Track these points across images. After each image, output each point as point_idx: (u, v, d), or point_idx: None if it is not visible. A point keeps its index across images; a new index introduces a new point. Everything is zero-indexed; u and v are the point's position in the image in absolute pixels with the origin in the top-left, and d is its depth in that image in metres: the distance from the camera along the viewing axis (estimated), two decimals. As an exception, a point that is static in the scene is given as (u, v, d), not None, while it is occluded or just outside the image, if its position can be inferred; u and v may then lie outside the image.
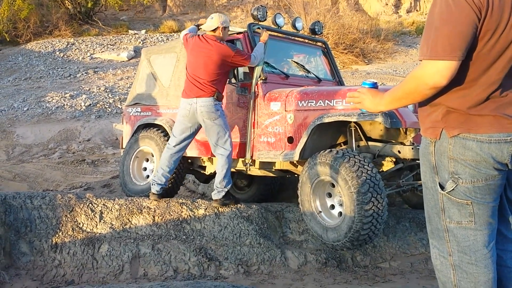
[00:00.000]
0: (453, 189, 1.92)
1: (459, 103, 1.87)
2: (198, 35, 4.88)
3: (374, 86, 2.18)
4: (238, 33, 5.11)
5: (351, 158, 4.00)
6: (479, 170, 1.87)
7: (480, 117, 1.85)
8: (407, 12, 23.83)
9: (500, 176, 1.90)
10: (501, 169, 1.88)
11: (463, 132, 1.87)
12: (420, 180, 4.63)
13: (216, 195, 4.84)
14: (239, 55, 4.68)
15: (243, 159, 5.02)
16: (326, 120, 4.21)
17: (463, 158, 1.88)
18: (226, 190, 4.83)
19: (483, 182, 1.89)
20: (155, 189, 4.97)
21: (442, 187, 1.96)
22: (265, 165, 4.97)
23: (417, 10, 23.94)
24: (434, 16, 1.84)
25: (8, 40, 18.28)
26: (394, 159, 4.44)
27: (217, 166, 4.85)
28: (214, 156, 5.20)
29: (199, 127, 4.86)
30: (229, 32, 5.13)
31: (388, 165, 4.49)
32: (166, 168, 4.95)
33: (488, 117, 1.85)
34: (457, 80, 1.84)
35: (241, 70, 5.03)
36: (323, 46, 5.99)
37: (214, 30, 4.78)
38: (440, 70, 1.79)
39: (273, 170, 5.01)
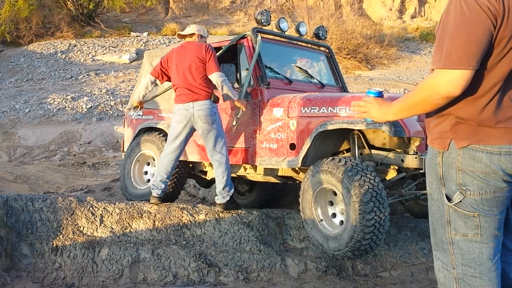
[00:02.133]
0: (460, 201, 1.89)
1: (470, 113, 1.83)
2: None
3: (380, 95, 2.14)
4: (242, 38, 5.08)
5: (353, 167, 3.98)
6: (488, 182, 1.84)
7: (491, 128, 1.82)
8: (411, 18, 23.83)
9: (509, 188, 1.87)
10: (510, 181, 1.85)
11: (473, 143, 1.83)
12: (423, 189, 4.64)
13: (220, 199, 4.81)
14: (214, 58, 4.65)
15: (245, 165, 5.00)
16: (329, 127, 4.19)
17: (472, 169, 1.85)
18: (230, 194, 4.81)
19: (491, 194, 1.85)
20: (156, 192, 4.95)
21: (449, 199, 1.92)
22: (267, 171, 4.95)
23: (421, 16, 23.94)
24: (448, 23, 1.79)
25: (10, 41, 18.31)
26: (397, 168, 4.42)
27: (216, 173, 4.77)
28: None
29: (193, 131, 4.83)
30: (231, 37, 5.12)
31: (391, 173, 4.47)
32: (164, 174, 4.91)
33: (499, 128, 1.81)
34: (470, 90, 1.80)
35: (243, 74, 5.01)
36: (327, 51, 5.97)
37: (191, 36, 4.85)
38: (454, 80, 1.75)
39: (275, 176, 4.99)
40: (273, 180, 5.15)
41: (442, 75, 1.77)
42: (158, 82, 4.98)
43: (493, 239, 1.93)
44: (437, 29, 1.90)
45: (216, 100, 4.71)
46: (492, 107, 1.82)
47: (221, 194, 4.79)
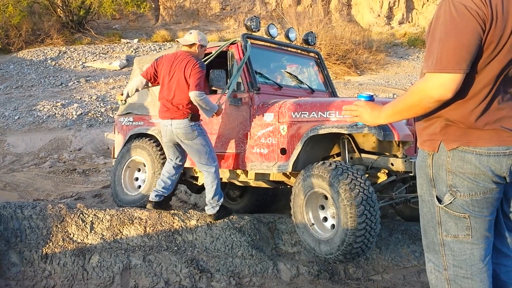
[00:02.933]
0: (450, 202, 1.91)
1: (459, 116, 1.86)
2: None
3: (371, 99, 2.15)
4: (231, 43, 5.09)
5: (344, 171, 4.00)
6: (478, 183, 1.86)
7: (480, 130, 1.84)
8: (399, 24, 24.01)
9: (498, 189, 1.89)
10: (499, 182, 1.87)
11: (462, 145, 1.86)
12: (413, 192, 4.67)
13: (210, 210, 4.78)
14: (199, 79, 4.48)
15: (236, 170, 5.00)
16: (320, 132, 4.21)
17: (462, 171, 1.86)
18: (220, 204, 4.77)
19: (481, 196, 1.87)
20: (153, 195, 4.92)
21: (439, 200, 1.94)
22: (258, 176, 4.95)
23: (409, 22, 24.13)
24: (438, 28, 1.82)
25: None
26: (387, 171, 4.44)
27: (205, 183, 4.75)
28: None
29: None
30: (222, 43, 5.12)
31: (381, 177, 4.49)
32: (168, 180, 4.93)
33: (488, 130, 1.83)
34: (460, 93, 1.82)
35: (234, 80, 5.01)
36: (316, 56, 6.00)
37: (190, 46, 4.68)
38: (445, 83, 1.77)
39: (266, 181, 5.00)
40: (264, 185, 5.16)
41: (434, 79, 1.79)
42: (149, 84, 4.93)
43: (484, 240, 1.94)
44: (427, 34, 1.92)
45: (195, 118, 4.60)
46: (481, 110, 1.84)
47: (211, 204, 4.75)
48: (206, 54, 5.22)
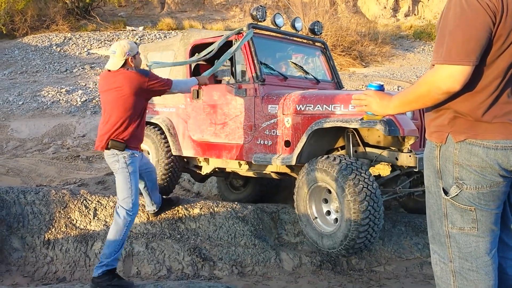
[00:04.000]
0: (457, 195, 1.91)
1: (468, 108, 1.85)
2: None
3: (381, 88, 2.15)
4: (238, 33, 5.05)
5: (348, 165, 3.98)
6: (484, 176, 1.85)
7: (488, 123, 1.84)
8: (405, 16, 23.86)
9: (505, 183, 1.89)
10: (506, 176, 1.87)
11: (470, 138, 1.85)
12: (417, 186, 4.65)
13: (95, 270, 3.79)
14: (156, 80, 3.96)
15: (240, 161, 5.00)
16: (324, 125, 4.19)
17: (469, 163, 1.86)
18: (104, 266, 3.75)
19: (488, 189, 1.87)
20: (150, 209, 4.73)
21: (446, 192, 1.94)
22: (262, 168, 4.95)
23: (415, 14, 23.98)
24: (448, 20, 1.81)
25: (4, 33, 18.19)
26: (391, 166, 4.43)
27: (111, 226, 3.91)
28: (211, 157, 5.18)
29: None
30: (229, 33, 5.06)
31: (385, 171, 4.47)
32: (146, 199, 4.57)
33: (496, 123, 1.83)
34: (469, 85, 1.82)
35: (239, 69, 4.99)
36: (322, 46, 5.95)
37: (123, 66, 3.90)
38: (453, 75, 1.77)
39: (269, 172, 4.99)
40: (268, 176, 5.16)
41: (443, 71, 1.79)
42: None
43: (490, 233, 1.94)
44: (437, 25, 1.92)
45: (115, 145, 3.84)
46: (490, 103, 1.84)
47: (100, 262, 3.81)
48: (212, 43, 5.20)
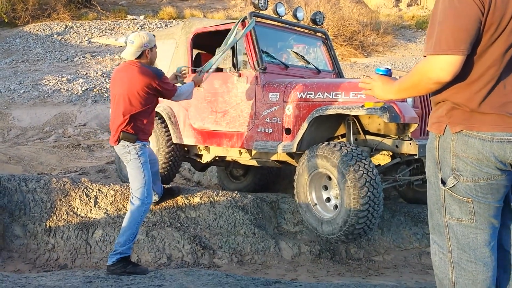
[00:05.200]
0: (454, 186, 1.91)
1: (464, 99, 1.86)
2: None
3: (388, 73, 2.16)
4: (241, 22, 5.02)
5: (349, 152, 3.99)
6: (481, 168, 1.85)
7: (484, 114, 1.84)
8: (407, 6, 23.75)
9: (504, 176, 1.87)
10: (504, 169, 1.86)
11: (466, 129, 1.85)
12: (417, 175, 4.65)
13: (109, 258, 3.92)
14: (166, 84, 4.02)
15: (240, 149, 5.00)
16: (325, 112, 4.19)
17: (465, 155, 1.86)
18: (119, 254, 3.88)
19: (485, 181, 1.87)
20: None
21: (443, 183, 1.94)
22: (262, 155, 4.96)
23: (417, 4, 23.87)
24: (438, 11, 1.83)
25: (6, 21, 18.14)
26: (391, 153, 4.44)
27: (124, 220, 4.01)
28: (212, 145, 5.18)
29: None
30: (229, 21, 5.05)
31: (385, 159, 4.48)
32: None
33: (492, 115, 1.83)
34: (463, 76, 1.83)
35: (240, 59, 4.98)
36: (324, 36, 5.94)
37: (139, 57, 4.00)
38: (443, 65, 1.78)
39: (270, 160, 5.00)
40: (268, 164, 5.17)
41: (433, 61, 1.81)
42: None
43: (488, 225, 1.94)
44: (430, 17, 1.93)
45: (127, 137, 3.94)
46: (485, 93, 1.84)
47: (114, 250, 3.92)
48: (214, 33, 5.19)
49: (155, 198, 4.69)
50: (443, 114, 1.92)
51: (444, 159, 1.93)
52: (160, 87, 3.97)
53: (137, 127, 3.98)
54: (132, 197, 3.99)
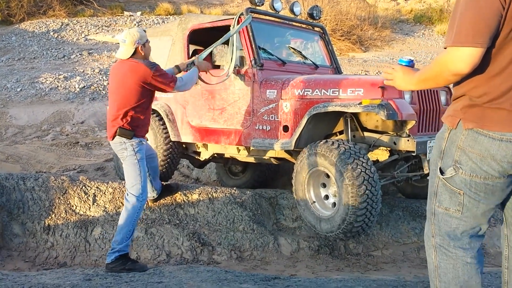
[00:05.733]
0: (451, 176, 1.97)
1: (483, 93, 1.88)
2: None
3: (410, 64, 2.21)
4: (238, 18, 5.01)
5: (346, 150, 4.00)
6: (481, 166, 1.89)
7: (498, 112, 1.86)
8: (405, 0, 23.72)
9: (502, 180, 1.91)
10: (504, 172, 1.89)
11: (478, 127, 1.89)
12: (415, 171, 4.67)
13: (108, 256, 3.92)
14: (162, 76, 3.96)
15: (238, 146, 5.00)
16: (323, 110, 4.19)
17: (471, 150, 1.90)
18: (117, 252, 3.88)
19: (481, 180, 1.92)
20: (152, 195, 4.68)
21: (442, 172, 2.00)
22: (260, 152, 4.96)
23: (415, -2, 23.83)
24: (460, 3, 1.84)
25: (1, 19, 18.07)
26: (389, 150, 4.44)
27: (121, 214, 4.02)
28: (210, 142, 5.18)
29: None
30: (225, 17, 5.04)
31: (383, 156, 4.49)
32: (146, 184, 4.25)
33: (504, 112, 1.85)
34: (483, 69, 1.86)
35: (237, 55, 4.97)
36: (321, 31, 5.93)
37: (133, 54, 3.98)
38: (463, 57, 1.80)
39: (268, 157, 5.00)
40: (266, 161, 5.17)
41: (452, 52, 1.83)
42: None
43: (473, 219, 2.00)
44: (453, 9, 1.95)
45: (124, 133, 3.94)
46: (507, 87, 1.86)
47: (112, 248, 3.93)
48: (211, 29, 5.18)
49: (153, 194, 4.69)
50: (458, 109, 1.96)
51: (449, 150, 1.98)
52: (155, 79, 3.92)
53: (134, 123, 3.96)
54: (127, 194, 3.98)
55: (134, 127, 3.97)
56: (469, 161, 1.91)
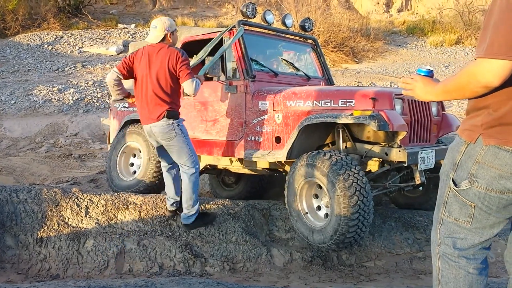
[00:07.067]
0: (465, 189, 1.95)
1: (504, 109, 1.85)
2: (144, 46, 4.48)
3: (429, 74, 2.15)
4: (229, 31, 5.06)
5: (338, 161, 4.02)
6: (498, 180, 1.87)
7: None
8: (398, 12, 23.92)
9: None
10: None
11: (500, 144, 1.85)
12: (407, 182, 4.69)
13: (185, 219, 4.49)
14: (188, 64, 4.28)
15: (231, 157, 5.01)
16: (314, 121, 4.22)
17: (490, 165, 1.87)
18: (194, 212, 4.45)
19: (497, 194, 1.89)
20: (168, 204, 4.69)
21: (455, 184, 1.98)
22: (253, 164, 4.97)
23: (408, 10, 24.04)
24: (493, 13, 1.78)
25: (-4, 32, 18.11)
26: (381, 161, 4.47)
27: (182, 186, 4.46)
28: (202, 154, 5.19)
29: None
30: (217, 30, 5.08)
31: (375, 166, 4.51)
32: (172, 185, 4.63)
33: None
34: (509, 85, 1.81)
35: (229, 66, 5.01)
36: (313, 43, 5.99)
37: (162, 40, 4.37)
38: (493, 70, 1.74)
39: (260, 169, 5.02)
40: (259, 172, 5.18)
41: (483, 64, 1.77)
42: (121, 77, 4.52)
43: (482, 231, 2.00)
44: (484, 19, 1.89)
45: (172, 115, 4.31)
46: None
47: (187, 210, 4.46)
48: (203, 41, 5.21)
49: (174, 204, 4.64)
50: (478, 124, 1.91)
51: (465, 163, 1.95)
52: (181, 65, 4.22)
53: (177, 105, 4.40)
54: (183, 168, 4.38)
55: (178, 109, 4.40)
56: (486, 175, 1.88)
